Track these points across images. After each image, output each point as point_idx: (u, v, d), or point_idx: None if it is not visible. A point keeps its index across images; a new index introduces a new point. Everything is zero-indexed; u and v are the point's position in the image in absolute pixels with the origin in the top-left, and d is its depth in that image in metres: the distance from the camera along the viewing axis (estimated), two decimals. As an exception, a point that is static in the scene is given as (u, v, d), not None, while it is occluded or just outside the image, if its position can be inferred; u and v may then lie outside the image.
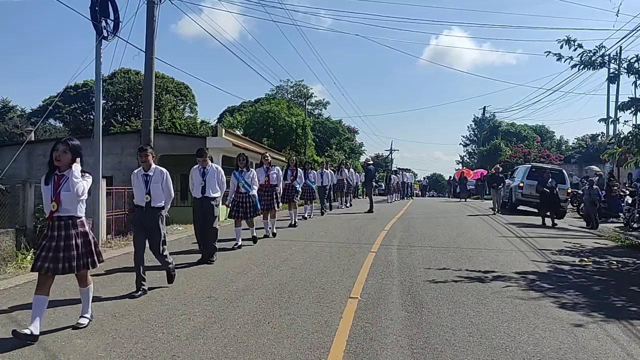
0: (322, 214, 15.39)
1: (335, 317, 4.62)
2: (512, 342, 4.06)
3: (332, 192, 17.32)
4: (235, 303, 5.07)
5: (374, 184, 19.00)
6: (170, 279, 5.82)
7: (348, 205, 19.47)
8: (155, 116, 17.97)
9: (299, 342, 3.98)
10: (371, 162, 20.40)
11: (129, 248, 8.84)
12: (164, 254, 5.59)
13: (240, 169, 8.56)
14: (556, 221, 13.98)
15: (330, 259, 7.57)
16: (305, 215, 13.95)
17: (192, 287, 5.72)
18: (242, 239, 8.63)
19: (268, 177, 9.65)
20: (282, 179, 10.36)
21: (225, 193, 8.23)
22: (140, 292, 5.36)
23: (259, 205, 8.76)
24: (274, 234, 9.88)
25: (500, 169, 18.68)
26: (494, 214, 16.42)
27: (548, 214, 13.94)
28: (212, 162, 7.80)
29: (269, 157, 9.97)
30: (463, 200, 26.25)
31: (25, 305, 4.94)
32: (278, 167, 10.02)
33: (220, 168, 7.42)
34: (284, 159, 22.15)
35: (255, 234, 8.89)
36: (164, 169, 5.69)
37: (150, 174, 5.52)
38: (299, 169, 12.15)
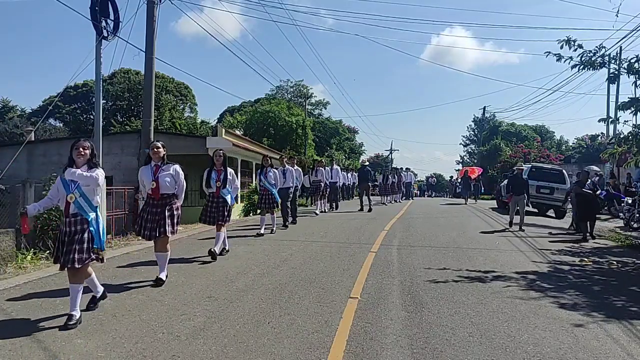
0: (286, 225, 11.54)
1: (335, 317, 4.62)
2: (512, 342, 4.06)
3: (296, 196, 12.93)
4: (235, 303, 5.07)
5: (371, 184, 19.07)
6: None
7: (327, 209, 16.89)
8: (155, 116, 18.01)
9: (299, 342, 3.98)
10: (367, 163, 20.99)
11: (129, 248, 8.86)
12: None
13: (76, 166, 4.54)
14: (565, 225, 11.96)
15: (330, 259, 7.56)
16: (261, 231, 10.16)
17: (192, 287, 5.72)
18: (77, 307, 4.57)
19: (157, 182, 5.77)
20: (184, 185, 6.08)
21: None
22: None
23: (102, 235, 4.66)
24: (161, 281, 5.83)
25: (524, 168, 13.56)
26: (510, 227, 12.20)
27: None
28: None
29: (160, 148, 5.88)
30: (464, 201, 23.60)
31: (25, 305, 4.95)
32: (177, 166, 5.98)
33: None
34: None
35: (97, 293, 4.89)
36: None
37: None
38: (229, 169, 7.81)
